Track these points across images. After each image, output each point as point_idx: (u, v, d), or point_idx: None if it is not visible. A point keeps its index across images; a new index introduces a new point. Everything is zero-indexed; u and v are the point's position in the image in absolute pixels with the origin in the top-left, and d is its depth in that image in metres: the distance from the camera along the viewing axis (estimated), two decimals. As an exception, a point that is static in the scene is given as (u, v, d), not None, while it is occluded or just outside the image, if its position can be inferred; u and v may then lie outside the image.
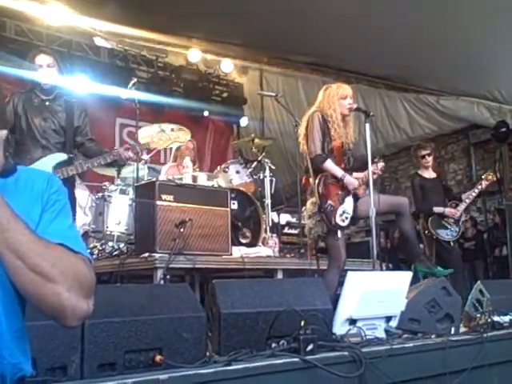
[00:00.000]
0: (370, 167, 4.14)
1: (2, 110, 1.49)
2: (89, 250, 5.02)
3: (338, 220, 4.15)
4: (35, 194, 1.34)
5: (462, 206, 6.02)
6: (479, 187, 6.11)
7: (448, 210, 5.96)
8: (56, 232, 1.28)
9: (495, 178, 6.24)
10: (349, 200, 4.27)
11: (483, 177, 6.21)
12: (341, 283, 3.53)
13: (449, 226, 5.94)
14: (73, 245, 1.27)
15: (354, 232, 7.16)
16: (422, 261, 4.54)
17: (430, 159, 6.20)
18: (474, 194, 6.13)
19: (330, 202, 4.17)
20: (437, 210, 5.95)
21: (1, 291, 1.24)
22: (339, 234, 4.15)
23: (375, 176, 4.33)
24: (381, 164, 4.45)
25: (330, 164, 4.24)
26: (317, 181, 4.20)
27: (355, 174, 4.42)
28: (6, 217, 1.17)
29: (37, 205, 1.33)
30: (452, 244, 5.94)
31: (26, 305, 1.31)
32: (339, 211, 4.18)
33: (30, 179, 1.37)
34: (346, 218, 4.19)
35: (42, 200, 1.34)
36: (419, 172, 6.29)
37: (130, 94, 6.02)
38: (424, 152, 6.22)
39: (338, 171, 4.25)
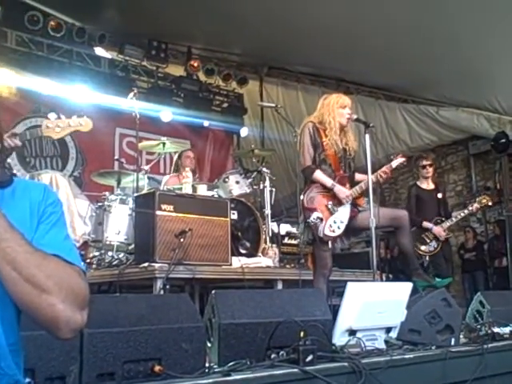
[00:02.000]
0: (370, 178, 4.13)
1: None
2: (88, 260, 5.02)
3: (328, 231, 4.16)
4: (32, 205, 1.34)
5: (447, 224, 5.95)
6: (470, 209, 6.05)
7: (436, 229, 5.90)
8: (51, 243, 1.28)
9: (490, 203, 6.14)
10: (343, 209, 4.27)
11: (478, 199, 6.11)
12: (339, 294, 3.52)
13: (428, 241, 5.89)
14: (67, 256, 1.27)
15: (354, 243, 7.12)
16: (419, 275, 4.50)
17: (430, 170, 6.20)
18: (462, 215, 6.10)
19: (317, 213, 4.18)
20: (426, 225, 5.91)
21: None
22: (329, 244, 4.17)
23: (385, 176, 4.31)
24: (401, 159, 4.44)
25: (319, 175, 4.28)
26: (302, 195, 4.24)
27: (358, 176, 4.43)
28: (4, 226, 1.17)
29: (33, 216, 1.33)
30: (427, 258, 5.84)
31: (21, 316, 1.31)
32: (329, 222, 4.19)
33: (27, 190, 1.37)
34: (338, 227, 4.20)
35: (39, 212, 1.34)
36: (417, 183, 6.30)
37: (130, 104, 6.05)
38: (425, 162, 6.22)
39: (328, 181, 4.27)
